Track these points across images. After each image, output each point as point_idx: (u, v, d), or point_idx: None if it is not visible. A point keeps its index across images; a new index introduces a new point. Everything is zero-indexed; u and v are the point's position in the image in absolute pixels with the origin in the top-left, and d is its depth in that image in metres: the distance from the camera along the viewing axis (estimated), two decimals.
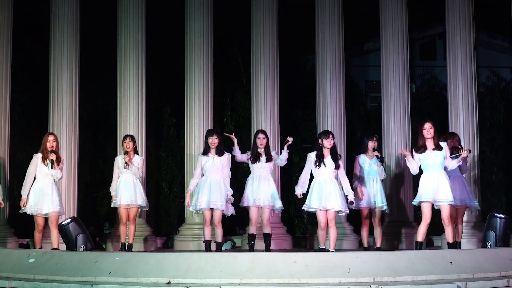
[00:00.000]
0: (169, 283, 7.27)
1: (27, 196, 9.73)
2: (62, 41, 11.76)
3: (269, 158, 9.77)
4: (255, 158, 9.74)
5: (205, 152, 9.52)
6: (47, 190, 9.70)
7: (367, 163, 10.12)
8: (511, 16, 11.81)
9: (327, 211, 9.12)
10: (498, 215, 10.04)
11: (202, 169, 9.55)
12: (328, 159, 9.20)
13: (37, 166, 9.79)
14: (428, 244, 10.80)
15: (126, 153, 10.05)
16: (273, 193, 9.69)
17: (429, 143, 9.02)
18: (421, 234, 9.00)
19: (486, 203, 13.12)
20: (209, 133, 9.61)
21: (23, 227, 12.38)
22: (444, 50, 12.54)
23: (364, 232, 10.29)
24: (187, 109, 11.87)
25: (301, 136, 14.16)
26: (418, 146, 9.10)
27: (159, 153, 13.90)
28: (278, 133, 11.87)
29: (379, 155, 10.02)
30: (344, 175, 9.37)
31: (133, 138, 10.24)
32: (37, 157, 9.79)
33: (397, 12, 12.00)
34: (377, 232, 10.25)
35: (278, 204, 9.74)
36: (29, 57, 13.93)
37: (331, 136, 9.27)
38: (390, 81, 11.90)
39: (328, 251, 9.05)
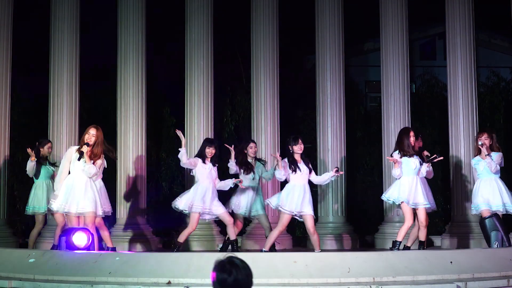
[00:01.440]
0: (169, 283, 7.27)
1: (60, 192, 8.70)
2: (62, 41, 11.76)
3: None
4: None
5: (202, 159, 9.37)
6: (79, 186, 8.68)
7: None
8: (511, 16, 11.80)
9: (301, 217, 8.98)
10: (489, 216, 9.89)
11: (196, 174, 9.40)
12: (302, 164, 9.01)
13: (70, 159, 8.72)
14: (428, 244, 10.78)
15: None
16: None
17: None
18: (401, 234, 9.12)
19: None
20: (208, 143, 9.48)
21: (23, 227, 12.38)
22: (444, 50, 12.52)
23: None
24: (187, 109, 11.87)
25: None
26: (405, 150, 9.15)
27: (159, 153, 13.89)
28: (278, 133, 11.87)
29: (429, 155, 9.58)
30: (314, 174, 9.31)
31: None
32: (72, 149, 8.85)
33: (397, 12, 11.99)
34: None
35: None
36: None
37: (300, 140, 9.05)
38: (390, 81, 11.89)
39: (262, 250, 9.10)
